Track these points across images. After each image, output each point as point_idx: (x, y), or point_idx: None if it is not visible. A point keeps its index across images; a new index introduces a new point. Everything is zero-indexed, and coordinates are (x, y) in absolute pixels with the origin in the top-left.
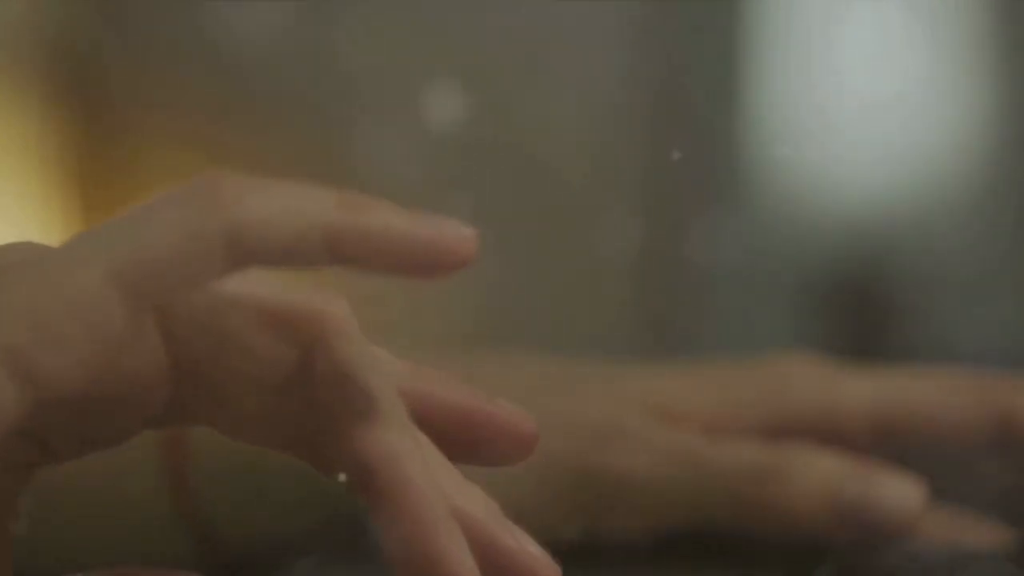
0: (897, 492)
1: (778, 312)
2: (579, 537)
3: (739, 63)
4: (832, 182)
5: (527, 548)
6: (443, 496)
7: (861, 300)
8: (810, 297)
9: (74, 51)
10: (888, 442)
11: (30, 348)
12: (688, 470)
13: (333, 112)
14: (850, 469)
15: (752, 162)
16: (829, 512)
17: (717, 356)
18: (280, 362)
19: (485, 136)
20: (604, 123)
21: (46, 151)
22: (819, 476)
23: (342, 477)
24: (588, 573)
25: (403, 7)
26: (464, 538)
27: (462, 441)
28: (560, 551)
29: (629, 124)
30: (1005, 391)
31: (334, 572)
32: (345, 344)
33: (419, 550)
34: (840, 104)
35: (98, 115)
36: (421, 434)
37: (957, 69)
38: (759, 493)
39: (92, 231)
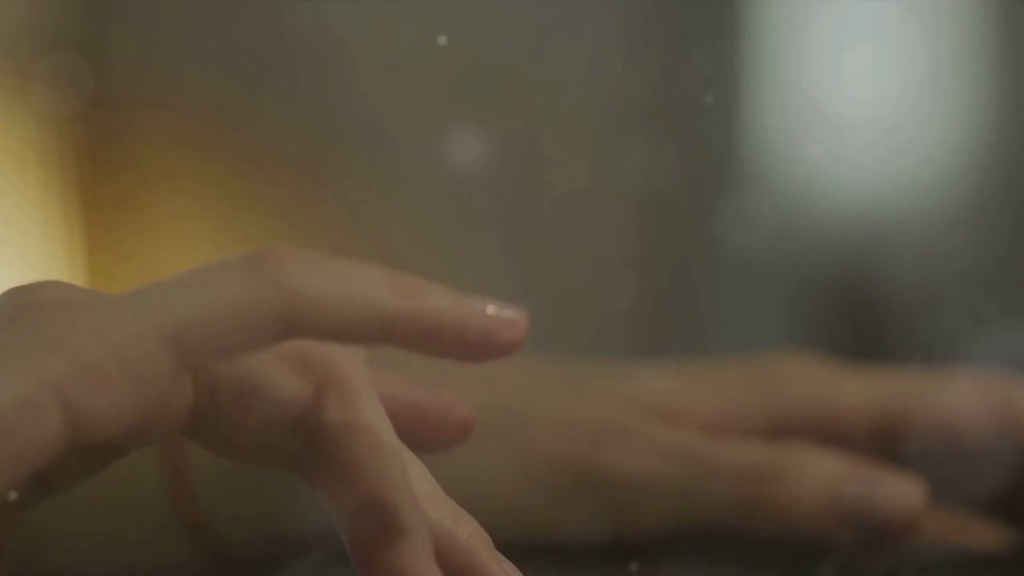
0: (897, 492)
1: (778, 312)
2: (579, 537)
3: (739, 63)
4: (832, 182)
5: None
6: (429, 526)
7: (861, 300)
8: (810, 297)
9: (74, 51)
10: (888, 442)
11: (77, 390)
12: (688, 470)
13: (333, 112)
14: (850, 469)
15: (752, 162)
16: (829, 512)
17: (717, 356)
18: (295, 402)
19: (485, 136)
20: (604, 123)
21: (46, 151)
22: (819, 476)
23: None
24: (588, 573)
25: (403, 7)
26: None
27: (410, 431)
28: (560, 551)
29: (629, 124)
30: (1005, 391)
31: (334, 572)
32: (352, 391)
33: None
34: (840, 104)
35: (98, 115)
36: (417, 462)
37: (957, 70)
38: (759, 493)
39: (149, 287)
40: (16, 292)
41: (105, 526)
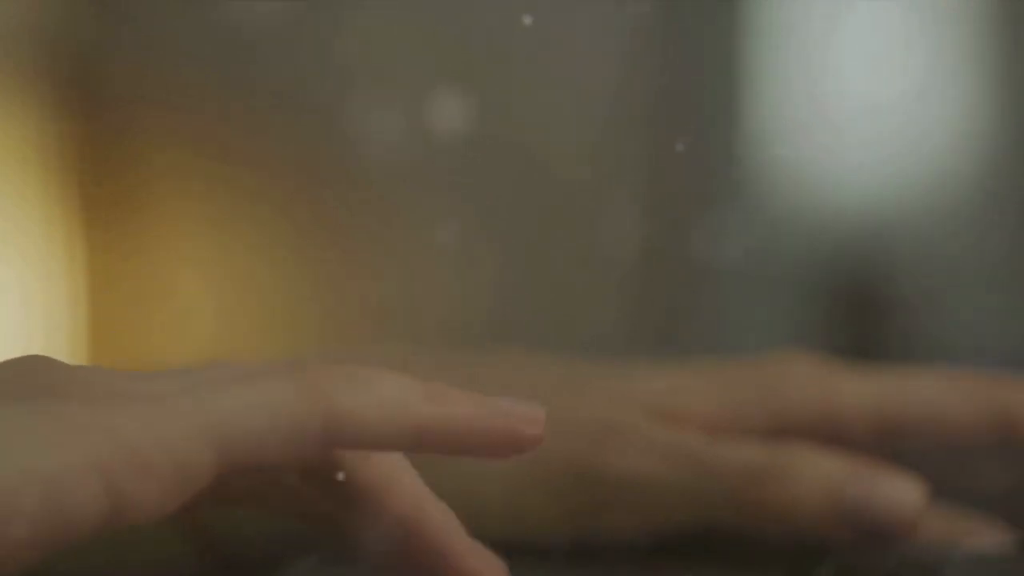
0: (897, 492)
1: (778, 312)
2: (579, 537)
3: (739, 63)
4: (832, 182)
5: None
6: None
7: (861, 300)
8: (810, 297)
9: (74, 51)
10: (888, 442)
11: (124, 476)
12: (688, 470)
13: (333, 112)
14: (850, 469)
15: (752, 162)
16: (829, 512)
17: (717, 356)
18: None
19: (485, 136)
20: (604, 123)
21: (46, 151)
22: (819, 476)
23: (341, 476)
24: (588, 573)
25: (403, 6)
26: None
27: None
28: (560, 551)
29: (629, 124)
30: (1005, 391)
31: (334, 572)
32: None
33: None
34: (840, 104)
35: (98, 115)
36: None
37: (957, 69)
38: (759, 493)
39: (197, 381)
40: (32, 366)
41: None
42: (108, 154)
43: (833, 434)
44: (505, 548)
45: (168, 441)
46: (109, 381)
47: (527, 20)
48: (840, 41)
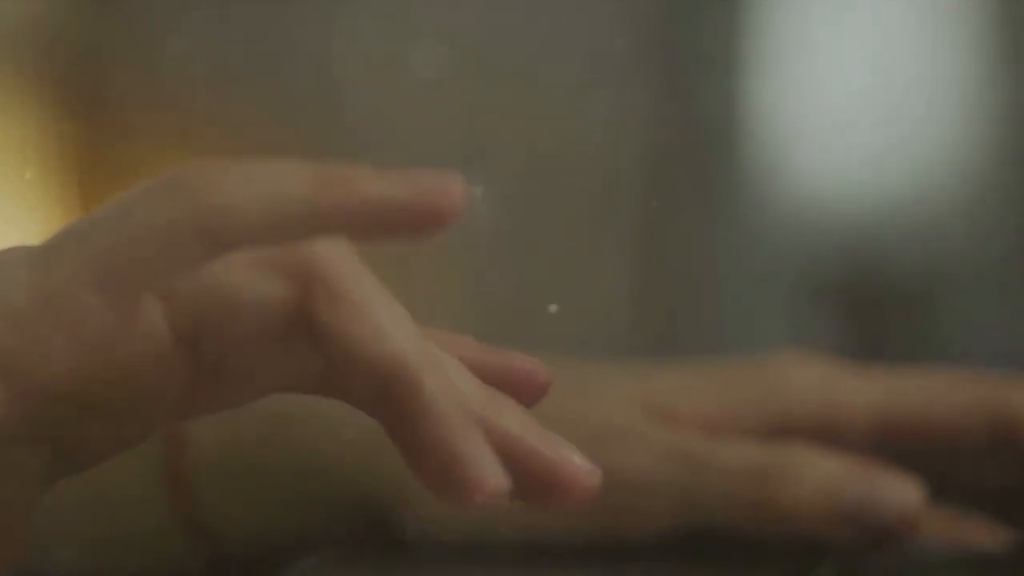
0: (897, 492)
1: (778, 312)
2: (578, 537)
3: (739, 63)
4: (832, 182)
5: (568, 457)
6: (464, 404)
7: (861, 300)
8: (810, 297)
9: (74, 51)
10: (888, 442)
11: (11, 350)
12: (688, 470)
13: (333, 112)
14: (850, 469)
15: (752, 162)
16: (829, 512)
17: (717, 356)
18: (282, 306)
19: (485, 136)
20: (604, 123)
21: (46, 151)
22: (819, 476)
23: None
24: (588, 573)
25: (403, 6)
26: (487, 443)
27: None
28: (559, 551)
29: (629, 124)
30: (1005, 391)
31: (334, 572)
32: (342, 275)
33: (440, 457)
34: (840, 104)
35: (98, 115)
36: (437, 348)
37: (957, 69)
38: (759, 493)
39: (69, 228)
40: None
41: (104, 526)
42: (108, 154)
43: (833, 434)
44: (505, 548)
45: (44, 295)
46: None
47: (552, 308)
48: (840, 40)
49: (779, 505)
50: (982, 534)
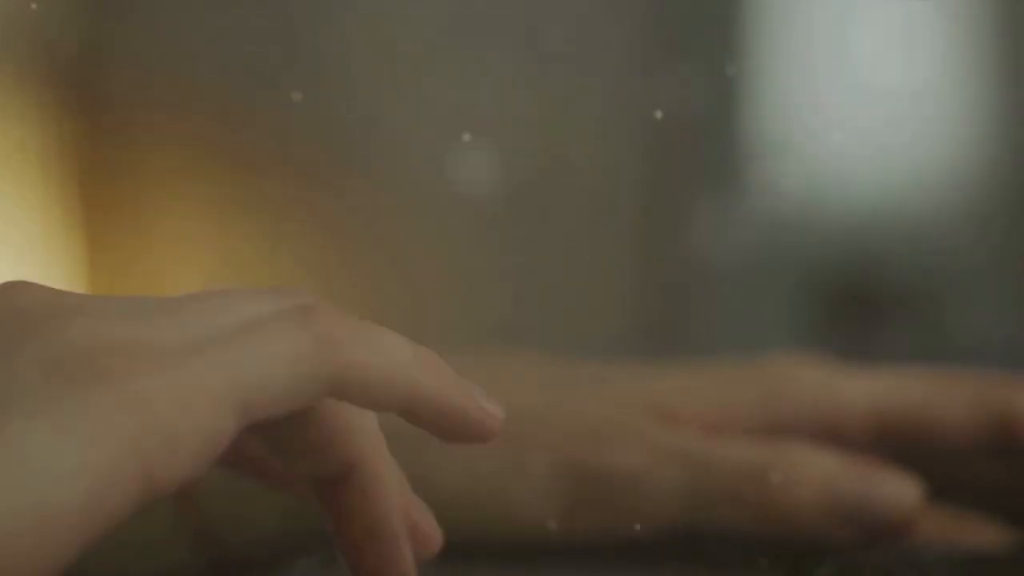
0: (895, 491)
1: (778, 312)
2: (578, 536)
3: (739, 62)
4: (832, 182)
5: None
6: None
7: (861, 300)
8: (810, 297)
9: (74, 51)
10: (888, 442)
11: (158, 456)
12: (688, 470)
13: (333, 112)
14: (849, 468)
15: (753, 162)
16: (828, 512)
17: (717, 356)
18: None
19: (485, 136)
20: (604, 123)
21: (46, 151)
22: (818, 476)
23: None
24: (587, 573)
25: (403, 6)
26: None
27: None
28: (559, 551)
29: (629, 124)
30: (1005, 391)
31: (334, 572)
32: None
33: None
34: (842, 103)
35: (98, 115)
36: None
37: (959, 69)
38: (759, 493)
39: (212, 337)
40: (11, 293)
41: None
42: (108, 154)
43: (832, 434)
44: (504, 547)
45: (196, 412)
46: (112, 328)
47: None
48: (842, 39)
49: (778, 504)
50: (982, 534)
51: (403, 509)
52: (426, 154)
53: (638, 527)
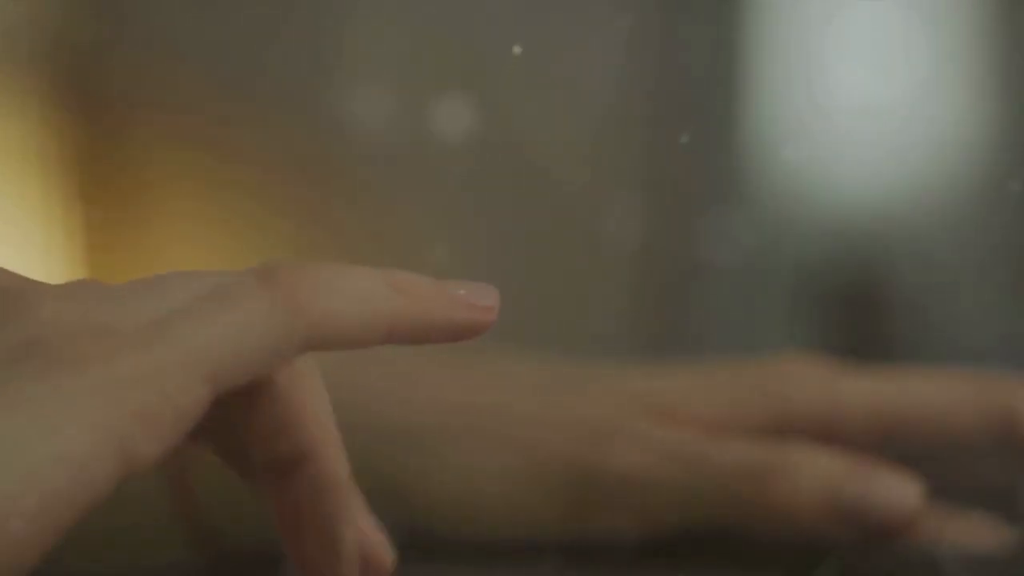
0: (896, 491)
1: (778, 312)
2: (578, 537)
3: (739, 63)
4: (832, 182)
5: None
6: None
7: (861, 300)
8: (810, 297)
9: (74, 51)
10: (888, 442)
11: (133, 439)
12: (688, 470)
13: (333, 112)
14: (850, 468)
15: (752, 162)
16: (829, 511)
17: (717, 356)
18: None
19: (485, 136)
20: (603, 123)
21: (46, 151)
22: (819, 475)
23: None
24: (587, 573)
25: (403, 6)
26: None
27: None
28: (559, 551)
29: (628, 124)
30: (1005, 391)
31: None
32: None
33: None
34: (840, 104)
35: (98, 115)
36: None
37: (957, 70)
38: (759, 493)
39: (178, 314)
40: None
41: (106, 523)
42: (108, 154)
43: (833, 434)
44: (504, 547)
45: (168, 388)
46: (82, 312)
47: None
48: (840, 41)
49: (779, 504)
50: (982, 533)
51: (354, 519)
52: (426, 155)
53: (638, 527)
